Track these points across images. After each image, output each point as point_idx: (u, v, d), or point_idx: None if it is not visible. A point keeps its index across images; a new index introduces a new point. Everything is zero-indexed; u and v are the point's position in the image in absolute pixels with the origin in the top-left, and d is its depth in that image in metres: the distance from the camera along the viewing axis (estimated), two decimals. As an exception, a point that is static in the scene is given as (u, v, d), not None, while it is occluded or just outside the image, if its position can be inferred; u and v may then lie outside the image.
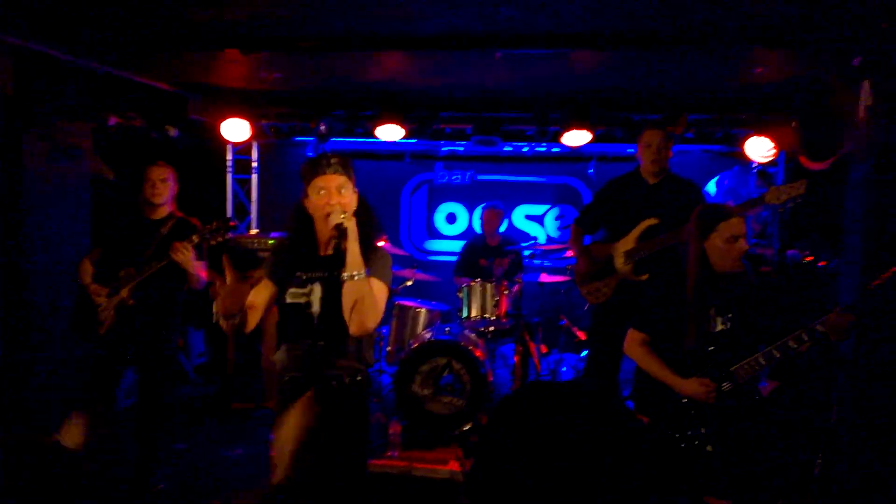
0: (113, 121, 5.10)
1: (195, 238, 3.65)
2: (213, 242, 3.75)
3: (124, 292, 3.65)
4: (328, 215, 2.43)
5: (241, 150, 6.34)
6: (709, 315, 2.86)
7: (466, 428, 4.41)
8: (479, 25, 3.64)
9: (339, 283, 2.45)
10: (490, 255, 5.57)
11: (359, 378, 2.63)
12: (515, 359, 4.79)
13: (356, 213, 2.57)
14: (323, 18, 3.65)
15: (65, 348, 4.44)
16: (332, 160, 2.51)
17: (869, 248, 3.64)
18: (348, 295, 2.41)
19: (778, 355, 2.69)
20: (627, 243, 3.82)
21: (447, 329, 4.71)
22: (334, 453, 2.62)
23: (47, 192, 4.56)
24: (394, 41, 3.90)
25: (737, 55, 4.13)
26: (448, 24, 3.64)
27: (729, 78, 4.63)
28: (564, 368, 5.68)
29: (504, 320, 4.71)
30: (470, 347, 4.46)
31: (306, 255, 2.63)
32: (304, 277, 2.57)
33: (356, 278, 2.40)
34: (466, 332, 4.80)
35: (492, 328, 4.82)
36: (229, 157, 6.26)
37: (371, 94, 5.44)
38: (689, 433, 2.84)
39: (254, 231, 5.70)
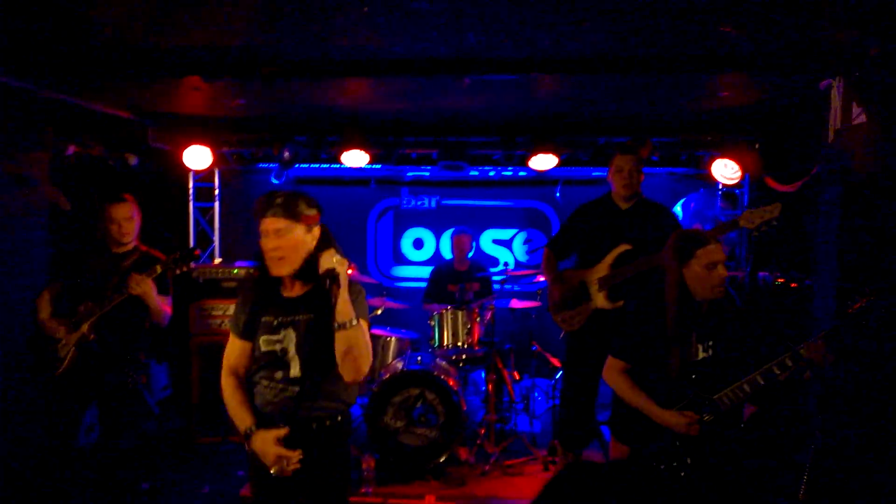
0: (71, 150, 4.91)
1: (157, 268, 3.56)
2: (177, 272, 3.67)
3: (84, 327, 3.51)
4: (279, 259, 2.35)
5: (203, 177, 6.17)
6: (690, 342, 2.83)
7: (442, 459, 4.29)
8: (444, 50, 3.60)
9: (311, 325, 2.38)
10: (459, 280, 5.49)
11: (339, 418, 2.54)
12: (488, 386, 4.70)
13: (316, 249, 2.46)
14: (285, 44, 3.57)
15: (18, 386, 4.20)
16: (276, 201, 2.38)
17: (842, 268, 3.68)
18: (342, 343, 2.33)
19: (762, 382, 2.67)
20: (601, 270, 3.79)
21: (419, 358, 4.61)
22: (316, 497, 2.51)
23: (1, 223, 4.35)
24: (358, 67, 3.84)
25: (701, 80, 4.17)
26: (414, 50, 3.60)
27: (693, 101, 4.68)
28: (537, 395, 5.62)
29: (477, 347, 4.63)
30: (443, 377, 4.36)
31: (272, 298, 2.52)
32: (275, 322, 2.47)
33: (349, 327, 2.31)
34: (438, 360, 4.71)
35: (464, 356, 4.74)
36: (191, 184, 6.07)
37: (336, 120, 5.36)
38: (674, 463, 2.79)
39: (217, 260, 5.53)
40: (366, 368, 2.38)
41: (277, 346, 2.43)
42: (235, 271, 5.33)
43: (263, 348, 2.45)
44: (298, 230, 2.37)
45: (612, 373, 2.97)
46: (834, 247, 3.80)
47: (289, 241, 2.35)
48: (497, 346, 4.77)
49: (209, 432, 5.20)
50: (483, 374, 5.80)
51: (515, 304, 4.91)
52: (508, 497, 4.08)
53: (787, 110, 4.60)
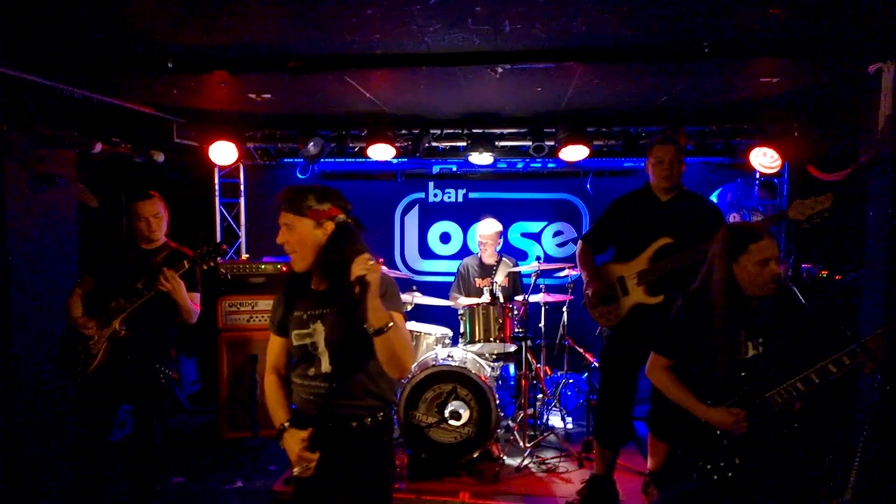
0: (98, 147, 4.89)
1: (185, 264, 3.56)
2: (204, 267, 3.66)
3: (115, 323, 3.51)
4: (290, 253, 2.35)
5: (228, 173, 6.15)
6: (738, 340, 2.73)
7: (475, 455, 4.23)
8: (477, 40, 3.51)
9: (339, 319, 2.34)
10: (487, 274, 5.41)
11: (380, 416, 2.48)
12: (521, 382, 4.63)
13: (329, 242, 2.38)
14: (315, 37, 3.50)
15: (54, 383, 4.21)
16: (287, 195, 2.38)
17: (893, 260, 3.53)
18: (383, 349, 2.27)
19: (817, 381, 2.56)
20: (640, 264, 3.68)
21: (450, 354, 4.54)
22: (357, 499, 2.46)
23: (30, 223, 4.35)
24: (391, 60, 3.76)
25: (739, 67, 4.02)
26: (447, 40, 3.51)
27: (730, 89, 4.53)
28: (568, 390, 5.53)
29: (509, 343, 4.54)
30: (475, 372, 4.29)
31: (301, 292, 2.49)
32: (305, 316, 2.46)
33: (386, 330, 2.24)
34: (470, 356, 4.63)
35: (496, 351, 4.66)
36: (216, 180, 6.05)
37: (361, 114, 5.29)
38: (721, 463, 2.69)
39: (245, 256, 5.51)
40: (410, 363, 2.34)
41: (308, 341, 2.41)
42: (263, 267, 5.31)
43: (295, 343, 2.44)
44: (305, 224, 2.34)
45: (656, 369, 2.88)
46: (885, 239, 3.65)
47: (295, 235, 2.34)
48: (529, 340, 4.67)
49: (238, 427, 5.20)
50: (513, 370, 5.75)
51: (546, 298, 4.82)
52: (543, 494, 4.01)
53: (832, 96, 4.42)
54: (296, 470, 2.29)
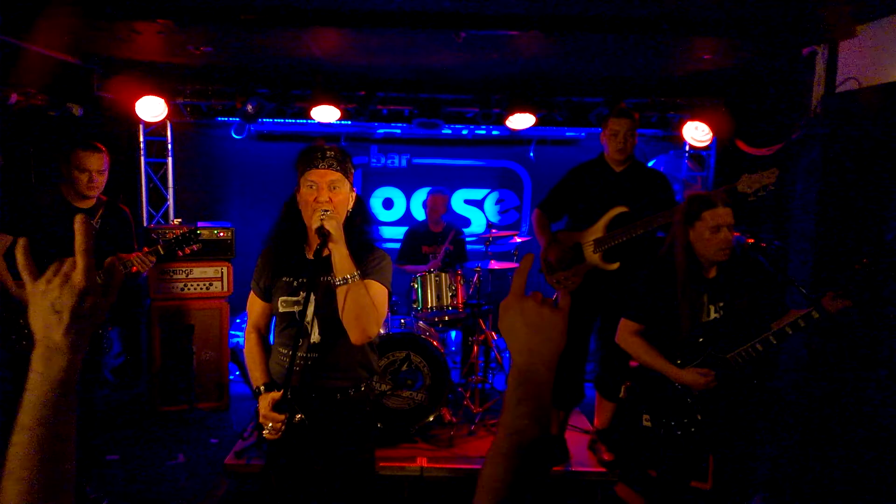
0: (13, 98, 4.43)
1: (160, 249, 3.48)
2: (179, 253, 3.57)
3: None
4: (325, 212, 2.21)
5: (153, 131, 5.75)
6: (701, 303, 2.90)
7: (429, 420, 4.28)
8: (446, 3, 3.45)
9: (332, 289, 2.26)
10: (434, 241, 5.42)
11: (363, 388, 2.46)
12: (473, 347, 4.73)
13: (351, 213, 2.38)
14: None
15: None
16: (328, 153, 2.31)
17: (820, 231, 3.84)
18: (343, 300, 2.22)
19: (775, 342, 2.76)
20: (596, 231, 3.80)
21: (402, 321, 4.53)
22: (342, 469, 2.44)
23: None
24: (351, 18, 3.63)
25: (680, 43, 4.19)
26: (412, 2, 3.43)
27: (669, 65, 4.71)
28: (507, 355, 5.67)
29: (461, 310, 4.59)
30: (428, 339, 4.31)
31: (294, 257, 2.41)
32: (294, 283, 2.39)
33: (350, 281, 2.20)
34: (420, 322, 4.65)
35: (447, 317, 4.69)
36: (141, 138, 5.65)
37: (305, 73, 5.09)
38: (684, 420, 2.88)
39: (175, 220, 5.21)
40: (374, 330, 2.29)
41: (295, 308, 2.35)
42: (199, 232, 5.02)
43: (281, 309, 2.38)
44: (347, 186, 2.33)
45: (626, 334, 3.01)
46: (813, 212, 3.96)
47: (340, 194, 2.29)
48: (482, 307, 4.75)
49: (173, 400, 4.97)
50: (454, 335, 5.82)
51: (494, 265, 4.89)
52: (497, 456, 4.12)
53: (765, 76, 4.69)
54: (265, 431, 2.25)
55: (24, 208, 3.34)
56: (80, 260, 1.01)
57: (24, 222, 3.31)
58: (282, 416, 2.23)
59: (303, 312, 2.26)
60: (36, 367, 0.98)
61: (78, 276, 1.00)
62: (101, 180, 3.44)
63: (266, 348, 2.51)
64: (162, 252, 3.44)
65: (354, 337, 2.26)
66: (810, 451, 3.67)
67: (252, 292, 2.51)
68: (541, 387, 1.04)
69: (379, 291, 2.35)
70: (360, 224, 2.44)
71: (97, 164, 3.40)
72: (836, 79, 3.91)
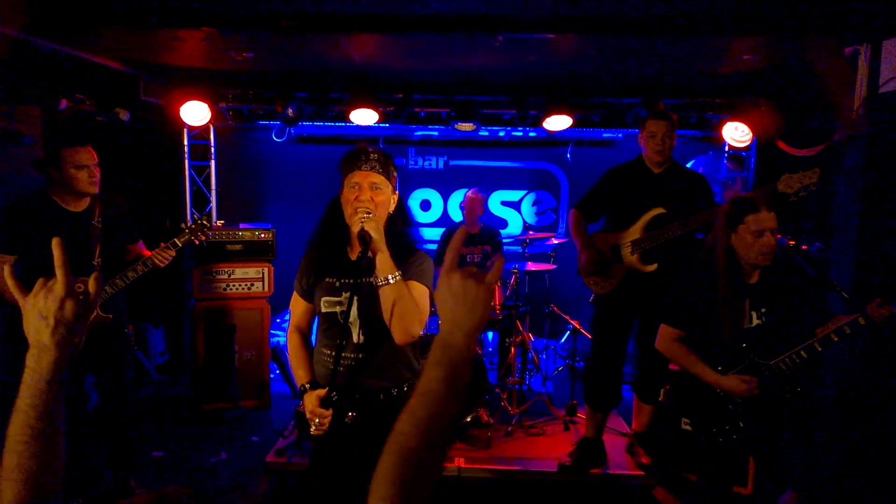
0: (63, 104, 4.60)
1: (179, 242, 3.44)
2: (195, 242, 3.57)
3: (95, 309, 3.31)
4: (366, 213, 2.26)
5: (197, 134, 5.90)
6: (742, 309, 2.86)
7: (467, 420, 4.31)
8: (484, 7, 3.47)
9: (374, 289, 2.30)
10: (471, 243, 5.45)
11: (405, 388, 2.49)
12: (510, 349, 4.74)
13: (393, 215, 2.42)
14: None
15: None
16: (372, 155, 2.36)
17: (863, 233, 3.77)
18: (386, 301, 2.26)
19: (820, 349, 2.72)
20: (634, 233, 3.79)
21: (439, 322, 4.57)
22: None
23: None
24: (392, 23, 3.67)
25: (720, 43, 4.13)
26: (451, 6, 3.46)
27: (709, 64, 4.65)
28: (543, 355, 5.68)
29: (498, 311, 4.61)
30: (465, 340, 4.34)
31: (336, 257, 2.46)
32: (337, 284, 2.42)
33: (392, 282, 2.24)
34: (457, 323, 4.69)
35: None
36: (185, 141, 5.80)
37: (344, 76, 5.17)
38: (727, 428, 2.85)
39: (218, 222, 5.32)
40: (416, 330, 2.30)
41: (338, 309, 2.39)
42: (241, 233, 5.16)
43: (324, 309, 2.42)
44: (389, 189, 2.37)
45: (667, 341, 2.99)
46: (855, 214, 3.88)
47: (382, 196, 2.32)
48: (519, 308, 4.76)
49: (217, 398, 5.09)
50: (492, 336, 5.85)
51: (531, 266, 4.90)
52: (534, 457, 4.14)
53: (807, 75, 4.60)
54: (312, 428, 2.29)
55: (20, 223, 3.18)
56: (59, 273, 1.25)
57: (22, 238, 3.18)
58: (328, 412, 2.28)
59: (346, 313, 2.30)
60: (29, 363, 1.23)
61: (58, 287, 1.24)
62: (97, 172, 3.29)
63: (309, 348, 2.56)
64: (179, 244, 3.44)
65: (398, 337, 2.28)
66: (853, 457, 3.61)
67: (295, 292, 2.56)
68: (459, 353, 1.12)
69: (421, 292, 2.38)
70: (401, 226, 2.47)
71: (91, 158, 3.26)
72: (879, 78, 3.82)
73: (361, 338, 2.39)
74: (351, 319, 2.36)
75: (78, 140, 3.25)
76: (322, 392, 2.31)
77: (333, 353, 2.28)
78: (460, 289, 1.15)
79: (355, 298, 2.32)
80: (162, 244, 3.44)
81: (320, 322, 2.48)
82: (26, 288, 3.13)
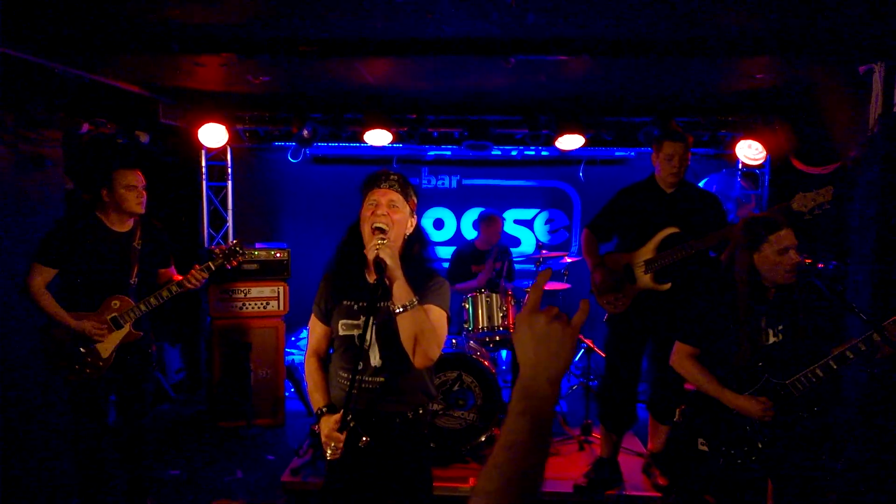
0: (85, 128, 4.71)
1: (212, 266, 3.54)
2: (227, 266, 3.67)
3: (128, 326, 3.40)
4: (382, 232, 2.30)
5: (214, 156, 6.00)
6: (760, 327, 2.85)
7: (482, 439, 4.31)
8: (497, 30, 3.53)
9: (391, 313, 2.32)
10: (482, 260, 5.47)
11: (420, 412, 2.51)
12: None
13: (410, 238, 2.46)
14: (333, 21, 3.45)
15: (33, 371, 4.09)
16: (392, 176, 2.44)
17: (879, 253, 3.75)
18: (405, 328, 2.28)
19: (835, 367, 2.70)
20: (646, 252, 3.79)
21: (454, 341, 4.59)
22: (401, 490, 2.50)
23: (17, 207, 4.18)
24: (406, 47, 3.74)
25: (734, 63, 4.15)
26: (465, 30, 3.52)
27: (722, 83, 4.67)
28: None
29: (512, 330, 4.61)
30: (479, 359, 4.35)
31: (355, 280, 2.49)
32: (355, 307, 2.46)
33: (409, 308, 2.26)
34: (471, 342, 4.70)
35: (497, 338, 4.73)
36: (203, 162, 5.90)
37: (358, 98, 5.25)
38: (745, 448, 2.83)
39: (234, 242, 5.40)
40: (435, 352, 2.33)
41: (355, 332, 2.41)
42: (256, 253, 5.23)
43: (341, 332, 2.45)
44: (406, 209, 2.42)
45: (681, 358, 2.98)
46: (872, 232, 3.87)
47: (399, 214, 2.37)
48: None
49: (232, 416, 5.13)
50: (506, 355, 5.84)
51: (545, 285, 4.90)
52: (550, 477, 4.11)
53: (821, 93, 4.61)
54: (328, 452, 2.31)
55: (67, 240, 3.32)
56: None
57: (68, 254, 3.31)
58: (342, 437, 2.29)
59: (362, 336, 2.31)
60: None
61: None
62: (145, 195, 3.47)
63: (325, 372, 2.58)
64: (213, 268, 3.55)
65: (417, 361, 2.31)
66: (873, 480, 3.56)
67: (313, 314, 2.59)
68: (544, 402, 1.04)
69: (439, 315, 2.40)
70: (418, 250, 2.51)
71: (140, 181, 3.45)
72: (894, 97, 3.82)
73: (378, 361, 2.42)
74: (368, 343, 2.37)
75: (129, 163, 3.45)
76: (338, 416, 2.31)
77: (350, 376, 2.29)
78: (544, 331, 1.07)
79: (372, 322, 2.33)
80: (197, 266, 3.54)
81: (337, 345, 2.51)
82: (64, 303, 3.18)
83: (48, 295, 3.31)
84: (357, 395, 2.36)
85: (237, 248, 3.64)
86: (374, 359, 2.41)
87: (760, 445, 2.80)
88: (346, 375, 2.41)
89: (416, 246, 2.50)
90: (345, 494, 2.50)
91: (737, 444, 2.83)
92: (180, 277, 3.54)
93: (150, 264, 3.58)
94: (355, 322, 2.44)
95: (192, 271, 3.49)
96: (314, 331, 2.60)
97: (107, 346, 3.38)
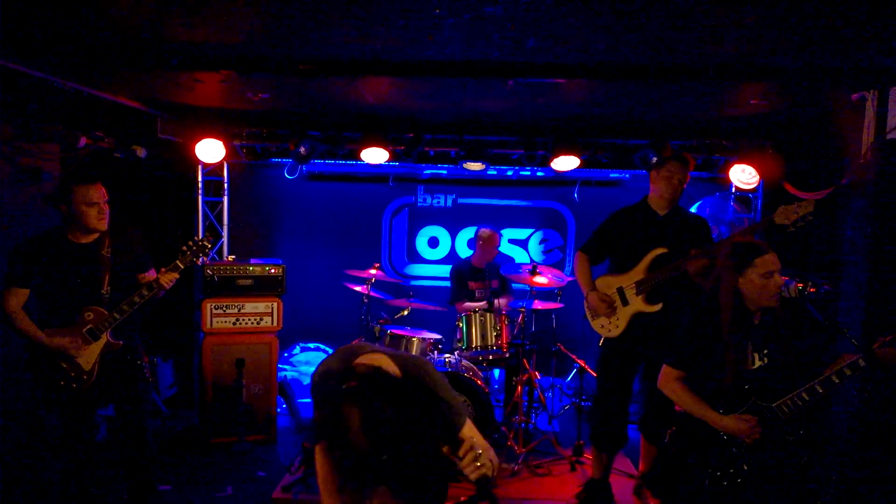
0: (82, 142, 4.73)
1: (180, 264, 3.51)
2: (198, 263, 3.61)
3: (106, 336, 3.38)
4: None
5: (211, 171, 6.02)
6: (745, 351, 2.88)
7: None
8: (497, 53, 3.58)
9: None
10: (479, 277, 5.50)
11: None
12: (517, 387, 4.75)
13: None
14: (337, 41, 3.49)
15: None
16: None
17: (871, 277, 3.79)
18: None
19: (821, 391, 2.72)
20: (637, 274, 3.82)
21: (448, 360, 4.59)
22: None
23: (13, 218, 4.19)
24: (406, 68, 3.78)
25: (729, 88, 4.22)
26: (466, 52, 3.56)
27: (717, 108, 4.74)
28: (549, 394, 5.67)
29: (505, 349, 4.63)
30: (472, 377, 4.36)
31: None
32: None
33: None
34: (464, 361, 4.70)
35: (491, 357, 4.74)
36: (200, 178, 5.92)
37: (355, 116, 5.29)
38: (730, 469, 2.84)
39: (230, 257, 5.40)
40: None
41: None
42: (251, 268, 5.23)
43: None
44: None
45: (669, 381, 3.01)
46: (863, 258, 3.91)
47: None
48: (524, 346, 4.78)
49: (223, 432, 5.10)
50: (498, 374, 5.85)
51: (538, 305, 4.93)
52: (540, 497, 4.11)
53: (813, 120, 4.68)
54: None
55: (33, 259, 3.31)
56: None
57: (36, 272, 3.31)
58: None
59: None
60: None
61: None
62: (107, 210, 3.40)
63: None
64: (182, 266, 3.50)
65: None
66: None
67: None
68: None
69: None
70: None
71: (101, 196, 3.36)
72: (886, 124, 3.89)
73: None
74: None
75: (89, 178, 3.35)
76: None
77: None
78: None
79: None
80: (163, 269, 3.50)
81: None
82: (42, 320, 3.20)
83: (23, 315, 3.30)
84: None
85: (205, 243, 3.58)
86: None
87: (746, 467, 2.82)
88: None
89: None
90: None
91: (723, 464, 2.84)
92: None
93: (123, 271, 3.50)
94: None
95: (160, 273, 3.45)
96: None
97: (87, 358, 3.37)
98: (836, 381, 2.71)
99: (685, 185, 3.87)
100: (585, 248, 4.11)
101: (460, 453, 2.00)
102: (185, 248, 3.57)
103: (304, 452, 4.38)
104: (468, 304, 5.27)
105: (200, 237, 3.65)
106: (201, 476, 4.56)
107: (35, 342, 3.28)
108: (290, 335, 5.97)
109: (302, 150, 5.41)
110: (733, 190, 5.76)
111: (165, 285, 3.46)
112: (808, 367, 2.85)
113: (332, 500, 2.16)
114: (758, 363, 2.89)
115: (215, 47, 3.65)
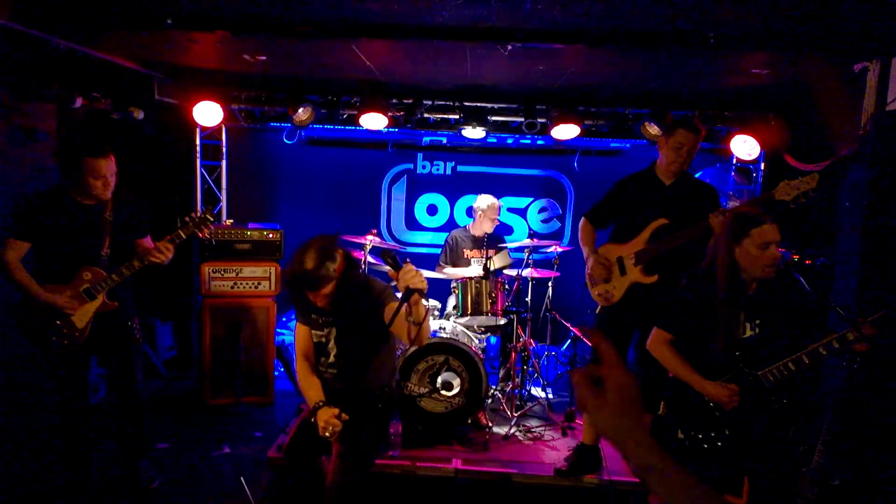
0: (78, 102, 4.70)
1: (181, 234, 3.50)
2: (199, 235, 3.63)
3: (102, 296, 3.41)
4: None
5: (209, 134, 5.99)
6: (737, 320, 2.90)
7: (466, 423, 4.36)
8: (495, 18, 3.53)
9: (349, 326, 2.92)
10: (477, 245, 5.50)
11: (386, 390, 3.09)
12: (511, 354, 4.78)
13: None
14: (333, 3, 3.44)
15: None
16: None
17: (867, 248, 3.78)
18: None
19: (808, 361, 2.75)
20: (638, 244, 3.81)
21: (442, 326, 4.63)
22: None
23: (8, 176, 4.19)
24: (404, 30, 3.74)
25: (732, 58, 4.16)
26: (462, 16, 3.52)
27: (719, 78, 4.68)
28: (544, 361, 5.72)
29: (500, 317, 4.66)
30: (466, 343, 4.39)
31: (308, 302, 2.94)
32: (320, 321, 3.01)
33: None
34: (460, 328, 4.74)
35: (486, 324, 4.76)
36: (198, 141, 5.89)
37: (356, 80, 5.23)
38: (712, 434, 2.89)
39: (227, 221, 5.40)
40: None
41: (322, 339, 3.07)
42: (249, 233, 5.24)
43: (314, 339, 3.09)
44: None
45: (658, 343, 3.04)
46: (859, 229, 3.90)
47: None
48: (518, 314, 4.80)
49: (221, 394, 5.17)
50: (494, 340, 5.89)
51: (534, 273, 4.94)
52: (531, 461, 4.17)
53: (812, 90, 4.63)
54: (327, 433, 2.80)
55: (36, 213, 3.32)
56: None
57: (39, 227, 3.33)
58: (340, 425, 2.81)
59: (327, 342, 3.07)
60: None
61: None
62: (114, 182, 3.43)
63: (315, 372, 3.09)
64: (182, 237, 3.53)
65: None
66: (848, 472, 3.62)
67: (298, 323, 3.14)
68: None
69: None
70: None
71: (111, 168, 3.39)
72: (887, 96, 3.84)
73: (341, 366, 3.05)
74: (331, 348, 3.05)
75: (101, 151, 3.35)
76: (336, 410, 2.85)
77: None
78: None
79: (335, 332, 3.02)
80: (163, 240, 3.51)
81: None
82: (39, 276, 3.24)
83: (22, 268, 3.33)
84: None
85: (207, 217, 3.59)
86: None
87: (727, 431, 2.86)
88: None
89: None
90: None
91: (705, 429, 2.89)
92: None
93: (123, 235, 3.54)
94: (321, 333, 3.07)
95: (160, 242, 3.47)
96: (301, 335, 3.14)
97: (81, 317, 3.41)
98: (824, 352, 2.73)
99: (694, 155, 3.78)
100: (590, 214, 4.06)
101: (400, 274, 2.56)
102: (187, 218, 3.59)
103: (299, 413, 4.45)
104: (449, 270, 5.28)
105: (202, 211, 3.65)
106: (199, 436, 4.64)
107: (31, 295, 3.31)
108: (289, 300, 5.99)
109: (301, 114, 5.37)
110: (734, 161, 5.73)
111: (163, 256, 3.48)
112: (798, 338, 2.87)
113: (302, 364, 3.08)
114: (749, 332, 2.91)
115: (211, 7, 3.60)
